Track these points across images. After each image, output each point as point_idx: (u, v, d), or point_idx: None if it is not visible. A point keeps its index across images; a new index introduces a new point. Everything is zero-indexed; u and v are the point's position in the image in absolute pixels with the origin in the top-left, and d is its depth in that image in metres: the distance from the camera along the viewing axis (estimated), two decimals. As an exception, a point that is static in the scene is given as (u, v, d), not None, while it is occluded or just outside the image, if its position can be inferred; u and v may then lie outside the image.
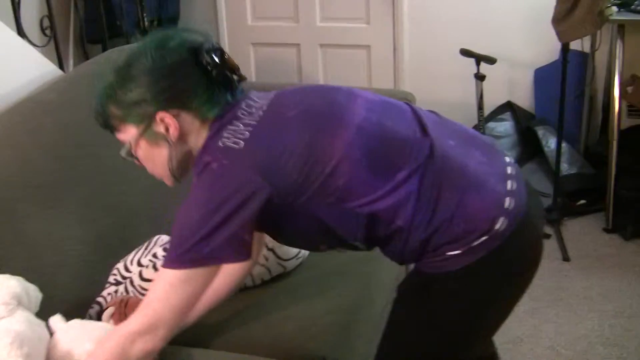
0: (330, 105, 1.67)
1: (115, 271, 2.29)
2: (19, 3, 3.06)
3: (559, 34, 3.48)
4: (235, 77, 1.69)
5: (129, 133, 1.68)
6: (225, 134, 1.60)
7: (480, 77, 3.85)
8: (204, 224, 1.53)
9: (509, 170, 1.71)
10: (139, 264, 2.26)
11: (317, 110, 1.65)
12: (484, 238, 1.60)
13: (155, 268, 2.24)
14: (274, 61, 4.85)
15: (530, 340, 3.02)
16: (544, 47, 4.11)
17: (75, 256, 2.22)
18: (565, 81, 3.60)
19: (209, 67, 1.64)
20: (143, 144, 1.68)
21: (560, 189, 3.83)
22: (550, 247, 3.67)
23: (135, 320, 1.61)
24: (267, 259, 2.31)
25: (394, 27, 4.45)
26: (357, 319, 2.27)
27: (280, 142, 1.58)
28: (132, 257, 2.30)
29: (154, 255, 2.28)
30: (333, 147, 1.58)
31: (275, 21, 4.75)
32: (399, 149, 1.62)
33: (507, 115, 4.30)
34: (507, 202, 1.63)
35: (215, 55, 1.65)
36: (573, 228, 3.85)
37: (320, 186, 1.57)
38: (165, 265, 1.58)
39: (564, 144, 3.86)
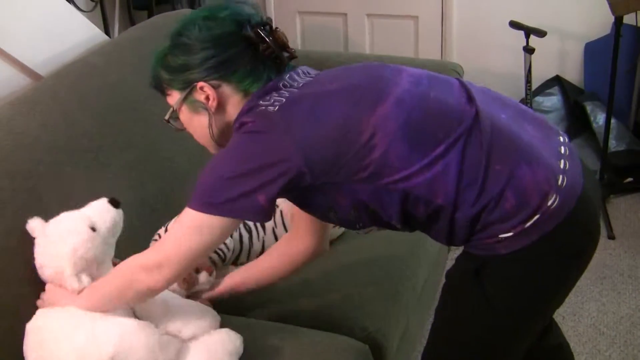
0: (373, 79, 1.65)
1: (156, 236, 2.30)
2: (67, -33, 3.06)
3: (612, 7, 3.40)
4: (285, 54, 1.70)
5: (174, 98, 1.73)
6: (263, 102, 1.62)
7: (529, 50, 3.79)
8: (225, 174, 1.55)
9: (563, 149, 1.66)
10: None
11: (359, 84, 1.63)
12: (536, 217, 1.55)
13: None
14: (321, 30, 4.81)
15: (573, 318, 2.99)
16: (596, 20, 4.03)
17: (119, 220, 2.24)
18: (617, 56, 3.53)
19: (255, 41, 1.65)
20: (185, 109, 1.73)
21: (608, 165, 3.76)
22: (595, 224, 3.62)
23: (146, 255, 1.66)
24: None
25: (443, -3, 4.40)
26: (400, 289, 2.26)
27: (316, 111, 1.58)
28: (173, 222, 2.31)
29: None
30: (369, 119, 1.55)
31: (322, -10, 4.73)
32: (440, 120, 1.58)
33: (555, 89, 4.23)
34: (560, 179, 1.57)
35: (263, 30, 1.66)
36: (620, 205, 3.79)
37: (354, 159, 1.55)
38: (187, 205, 1.61)
39: (613, 120, 3.78)
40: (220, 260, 2.18)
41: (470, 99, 1.63)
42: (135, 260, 1.67)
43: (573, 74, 4.26)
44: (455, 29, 4.45)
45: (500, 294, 1.65)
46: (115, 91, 2.42)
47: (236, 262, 2.28)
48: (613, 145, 3.88)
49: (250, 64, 1.66)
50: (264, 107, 1.60)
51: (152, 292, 1.69)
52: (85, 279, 1.78)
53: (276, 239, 2.29)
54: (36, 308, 1.84)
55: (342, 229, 2.40)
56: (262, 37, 1.65)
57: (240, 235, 2.27)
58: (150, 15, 3.72)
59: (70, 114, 2.22)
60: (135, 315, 1.85)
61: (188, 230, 1.60)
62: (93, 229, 1.82)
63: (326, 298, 2.18)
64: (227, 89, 1.67)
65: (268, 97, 1.62)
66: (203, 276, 2.00)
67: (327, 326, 2.09)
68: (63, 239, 1.80)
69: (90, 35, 2.75)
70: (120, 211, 1.90)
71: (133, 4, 3.97)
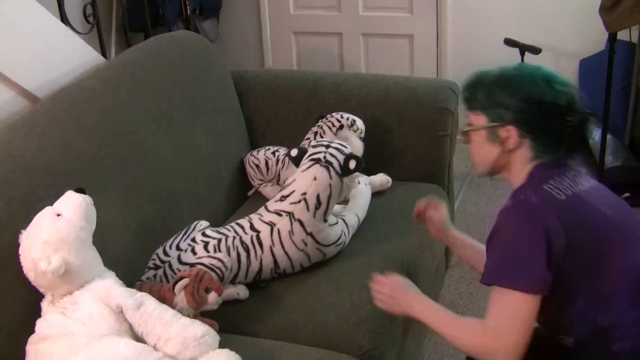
0: (633, 224, 1.83)
1: (154, 256, 2.31)
2: (63, -10, 3.08)
3: (606, 24, 3.43)
4: (579, 144, 1.84)
5: (478, 119, 1.88)
6: (551, 182, 1.77)
7: (524, 68, 3.80)
8: (515, 248, 1.73)
9: None
10: (178, 248, 2.28)
11: (623, 220, 1.81)
12: None
13: (194, 252, 2.25)
14: (316, 50, 4.84)
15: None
16: (590, 37, 4.05)
17: (117, 242, 2.24)
18: (612, 72, 3.55)
19: (568, 124, 1.79)
20: (482, 134, 1.87)
21: (604, 181, 3.76)
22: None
23: (498, 342, 1.74)
24: (306, 244, 2.31)
25: (438, 16, 4.42)
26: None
27: (588, 221, 1.75)
28: (170, 242, 2.32)
29: (193, 240, 2.29)
30: (623, 260, 1.75)
31: (317, 10, 4.75)
32: None
33: (551, 106, 4.24)
34: None
35: (580, 119, 1.81)
36: (617, 221, 3.79)
37: (590, 283, 1.74)
38: (484, 281, 1.78)
39: (608, 136, 3.79)
40: (218, 279, 2.18)
41: None
42: (486, 344, 1.76)
43: (568, 90, 4.27)
44: (450, 47, 4.48)
45: None
46: (112, 114, 2.43)
47: (234, 280, 2.28)
48: (609, 161, 3.89)
49: (555, 137, 1.81)
50: (549, 189, 1.75)
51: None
52: (55, 260, 1.80)
53: (274, 257, 2.29)
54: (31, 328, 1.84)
55: (339, 248, 2.41)
56: (579, 125, 1.81)
57: (238, 255, 2.27)
58: (146, 37, 3.73)
59: (68, 137, 2.23)
60: (134, 334, 1.85)
61: (500, 302, 1.74)
62: (58, 215, 1.88)
63: (324, 316, 2.18)
64: (525, 142, 1.82)
65: (556, 181, 1.78)
66: (212, 296, 2.01)
67: (325, 344, 2.10)
68: (31, 230, 1.87)
69: (87, 58, 2.77)
70: (85, 196, 1.95)
71: (129, 26, 3.99)
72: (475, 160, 1.94)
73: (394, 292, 2.01)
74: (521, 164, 1.83)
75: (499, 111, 1.82)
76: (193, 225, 2.39)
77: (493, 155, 1.86)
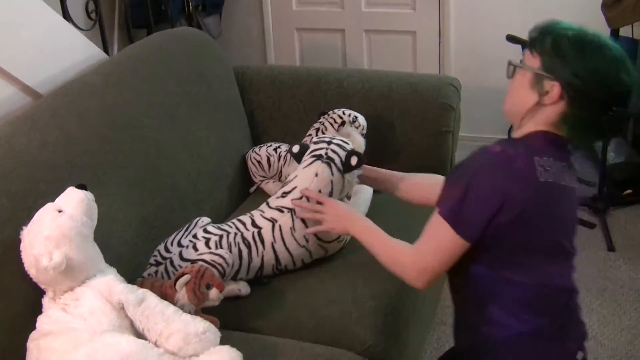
0: (572, 242, 1.87)
1: (155, 252, 2.31)
2: (65, -14, 3.08)
3: (609, 20, 3.42)
4: (602, 135, 1.91)
5: (533, 62, 1.81)
6: (544, 157, 1.75)
7: (526, 64, 3.79)
8: (470, 194, 1.73)
9: None
10: (179, 245, 2.28)
11: (570, 234, 1.86)
12: None
13: (195, 248, 2.25)
14: (319, 46, 4.83)
15: (574, 330, 2.98)
16: (593, 34, 4.04)
17: (119, 238, 2.25)
18: (614, 68, 3.53)
19: (609, 112, 1.73)
20: (527, 76, 1.81)
21: (606, 178, 3.77)
22: (595, 236, 3.63)
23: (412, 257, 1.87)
24: (307, 241, 2.31)
25: (440, 12, 4.41)
26: (401, 304, 2.26)
27: (548, 214, 1.77)
28: (172, 239, 2.32)
29: (194, 236, 2.29)
30: (551, 270, 1.82)
31: (320, 6, 4.74)
32: None
33: (553, 102, 4.24)
34: None
35: (621, 114, 1.76)
36: (619, 218, 3.79)
37: (508, 264, 1.79)
38: (437, 204, 1.82)
39: (611, 133, 3.79)
40: (220, 275, 2.18)
41: None
42: (407, 261, 1.88)
43: (571, 87, 4.26)
44: (453, 44, 4.47)
45: None
46: (114, 110, 2.43)
47: (235, 277, 2.28)
48: (612, 157, 3.89)
49: (587, 117, 1.76)
50: (537, 164, 1.74)
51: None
52: (57, 256, 1.80)
53: (275, 254, 2.30)
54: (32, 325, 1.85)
55: (341, 244, 2.41)
56: (617, 119, 1.75)
57: (240, 251, 2.27)
58: (149, 34, 3.73)
59: (70, 133, 2.23)
60: (136, 331, 1.85)
61: (435, 227, 1.81)
62: (60, 211, 1.88)
63: (326, 313, 2.18)
64: (560, 105, 1.76)
65: (547, 158, 1.76)
66: (214, 293, 2.01)
67: (327, 340, 2.10)
68: (33, 226, 1.87)
69: (89, 54, 2.77)
70: (87, 192, 1.96)
71: (132, 23, 3.98)
72: (508, 98, 1.90)
73: (337, 211, 2.18)
74: (537, 123, 1.80)
75: (556, 63, 1.75)
76: (194, 222, 2.39)
77: (527, 102, 1.80)
